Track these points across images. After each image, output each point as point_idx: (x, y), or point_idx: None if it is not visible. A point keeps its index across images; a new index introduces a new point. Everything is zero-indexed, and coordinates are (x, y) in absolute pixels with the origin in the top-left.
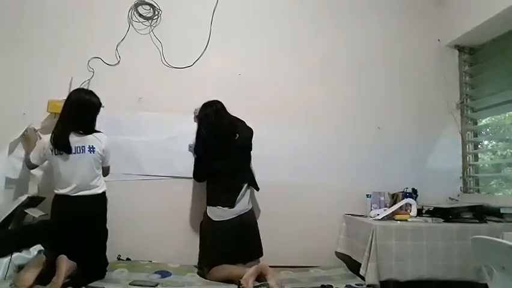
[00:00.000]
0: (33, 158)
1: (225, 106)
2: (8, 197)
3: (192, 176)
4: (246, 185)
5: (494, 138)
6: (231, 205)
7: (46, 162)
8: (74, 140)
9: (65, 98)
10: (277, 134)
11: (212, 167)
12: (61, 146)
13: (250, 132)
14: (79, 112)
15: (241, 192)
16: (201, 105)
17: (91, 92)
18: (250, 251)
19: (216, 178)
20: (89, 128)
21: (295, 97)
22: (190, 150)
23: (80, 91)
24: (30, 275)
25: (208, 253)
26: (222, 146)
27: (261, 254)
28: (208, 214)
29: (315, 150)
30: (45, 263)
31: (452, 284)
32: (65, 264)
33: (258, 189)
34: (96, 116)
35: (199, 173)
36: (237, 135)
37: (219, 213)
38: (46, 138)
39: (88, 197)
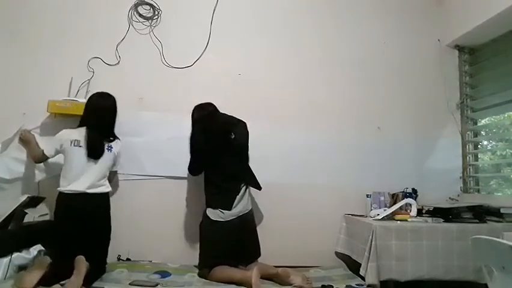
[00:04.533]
0: (49, 150)
1: (217, 107)
2: (2, 196)
3: (188, 171)
4: (244, 187)
5: (494, 138)
6: (229, 208)
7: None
8: None
9: (65, 98)
10: (277, 134)
11: (209, 171)
12: (95, 152)
13: (245, 129)
14: (107, 118)
15: (239, 194)
16: (193, 108)
17: (110, 95)
18: (250, 252)
19: (213, 181)
20: (112, 133)
21: (295, 97)
22: None
23: (102, 97)
24: (33, 277)
25: (208, 254)
26: (218, 149)
27: (259, 255)
28: (208, 214)
29: (315, 150)
30: (49, 265)
31: (452, 284)
32: (84, 265)
33: (260, 188)
34: (115, 118)
35: (195, 166)
36: (233, 134)
37: (219, 215)
38: (66, 132)
39: (96, 195)
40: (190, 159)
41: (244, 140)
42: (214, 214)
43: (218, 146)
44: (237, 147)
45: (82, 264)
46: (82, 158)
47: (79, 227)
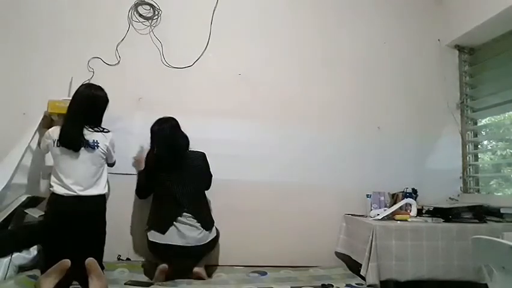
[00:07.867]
0: (42, 145)
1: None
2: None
3: (135, 191)
4: (194, 220)
5: (494, 138)
6: (163, 231)
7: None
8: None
9: (65, 98)
10: (277, 134)
11: (159, 185)
12: (70, 143)
13: (203, 157)
14: (89, 107)
15: (185, 225)
16: (156, 120)
17: (99, 88)
18: None
19: (161, 199)
20: (98, 124)
21: (295, 97)
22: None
23: (88, 87)
24: (50, 282)
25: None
26: (173, 165)
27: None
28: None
29: (315, 150)
30: (68, 270)
31: (452, 284)
32: (97, 265)
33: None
34: (104, 111)
35: (143, 187)
36: (191, 158)
37: (156, 236)
38: (52, 129)
39: (88, 197)
40: (139, 176)
41: (200, 169)
42: (153, 235)
43: (175, 164)
44: (192, 174)
45: (95, 266)
46: (67, 157)
47: (68, 228)
